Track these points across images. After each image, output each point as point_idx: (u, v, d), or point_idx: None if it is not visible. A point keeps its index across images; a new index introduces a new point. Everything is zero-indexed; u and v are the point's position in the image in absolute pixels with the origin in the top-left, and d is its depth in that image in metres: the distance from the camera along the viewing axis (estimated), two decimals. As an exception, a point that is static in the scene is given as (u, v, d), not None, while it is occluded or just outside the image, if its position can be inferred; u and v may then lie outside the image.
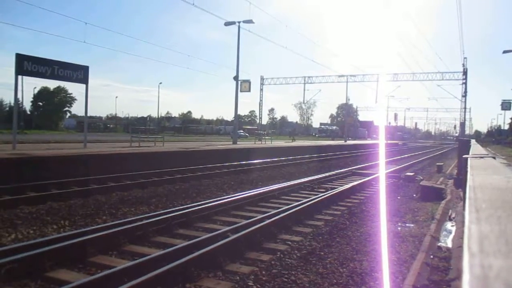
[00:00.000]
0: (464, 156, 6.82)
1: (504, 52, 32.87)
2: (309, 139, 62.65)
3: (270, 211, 8.19)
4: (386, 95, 63.32)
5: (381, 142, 34.56)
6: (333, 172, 16.08)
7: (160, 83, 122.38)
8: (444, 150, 46.92)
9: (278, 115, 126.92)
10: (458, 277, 4.61)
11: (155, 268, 4.49)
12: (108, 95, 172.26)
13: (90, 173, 11.66)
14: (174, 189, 11.24)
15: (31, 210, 7.93)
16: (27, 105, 72.01)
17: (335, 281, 4.81)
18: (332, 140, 56.77)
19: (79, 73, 15.55)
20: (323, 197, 9.71)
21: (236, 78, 28.55)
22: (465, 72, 40.19)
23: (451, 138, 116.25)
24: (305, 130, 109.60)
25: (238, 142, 28.70)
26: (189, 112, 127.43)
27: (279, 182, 12.93)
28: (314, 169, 18.37)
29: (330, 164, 21.92)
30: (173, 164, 14.95)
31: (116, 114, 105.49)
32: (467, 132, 72.10)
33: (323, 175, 15.02)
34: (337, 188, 11.64)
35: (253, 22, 26.77)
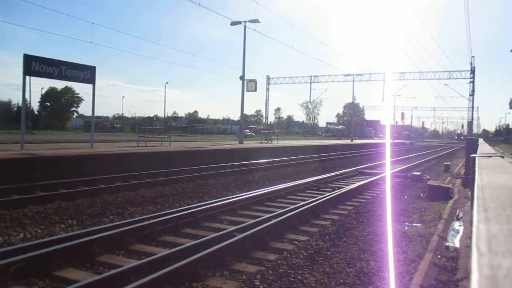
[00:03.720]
0: (472, 155, 6.77)
1: (512, 50, 32.54)
2: (315, 138, 62.53)
3: (277, 211, 8.19)
4: (392, 94, 63.09)
5: (388, 141, 34.38)
6: (340, 172, 16.03)
7: (167, 83, 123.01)
8: (451, 150, 46.60)
9: (284, 115, 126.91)
10: (466, 277, 4.58)
11: (163, 267, 4.51)
12: (114, 95, 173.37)
13: (97, 173, 11.72)
14: (181, 188, 11.26)
15: (39, 209, 7.99)
16: (35, 105, 72.65)
17: (342, 280, 4.80)
18: (339, 139, 56.60)
19: (86, 73, 15.63)
20: (329, 196, 9.68)
21: (242, 77, 28.53)
22: (472, 71, 39.93)
23: (455, 137, 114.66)
24: (311, 129, 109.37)
25: (244, 142, 28.70)
26: (195, 111, 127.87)
27: (285, 181, 12.91)
28: (321, 168, 18.32)
29: (337, 163, 21.86)
30: (179, 163, 14.99)
31: (122, 114, 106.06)
32: (474, 131, 71.63)
33: (330, 174, 14.98)
34: (344, 187, 11.61)
35: (259, 22, 26.75)
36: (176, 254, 5.12)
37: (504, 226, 1.24)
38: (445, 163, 21.62)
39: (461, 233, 7.25)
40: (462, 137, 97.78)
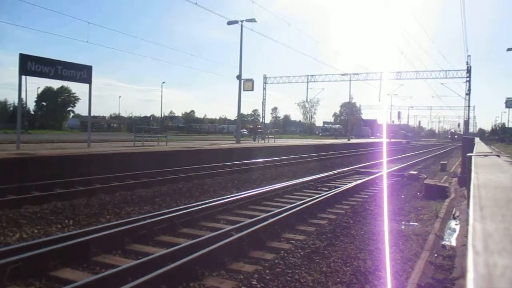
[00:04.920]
0: (468, 154, 6.80)
1: (508, 49, 32.74)
2: (312, 137, 62.57)
3: (274, 210, 8.18)
4: (389, 93, 63.19)
5: (384, 140, 34.45)
6: (337, 171, 16.04)
7: (163, 82, 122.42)
8: (447, 149, 46.74)
9: (281, 114, 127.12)
10: (463, 275, 4.60)
11: (159, 267, 4.50)
12: (111, 94, 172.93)
13: (94, 173, 11.69)
14: (178, 188, 11.25)
15: (35, 209, 7.96)
16: (31, 105, 72.43)
17: (338, 280, 4.81)
18: (336, 138, 56.68)
19: (83, 73, 15.58)
20: (326, 196, 9.70)
21: (239, 77, 28.53)
22: (468, 70, 40.02)
23: (448, 136, 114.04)
24: (308, 128, 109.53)
25: (241, 141, 28.69)
26: (192, 111, 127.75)
27: (282, 181, 12.92)
28: (318, 168, 18.34)
29: (333, 162, 21.89)
30: (176, 163, 14.98)
31: (119, 113, 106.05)
32: (471, 130, 71.75)
33: (327, 173, 15.00)
34: (341, 187, 11.62)
35: (256, 21, 26.73)
36: (173, 254, 5.12)
37: (500, 225, 1.25)
38: (441, 162, 21.68)
39: (457, 231, 7.28)
40: (456, 136, 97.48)
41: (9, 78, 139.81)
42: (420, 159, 26.65)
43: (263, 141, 31.84)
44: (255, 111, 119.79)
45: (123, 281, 4.17)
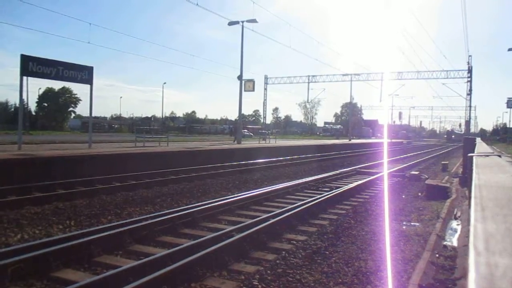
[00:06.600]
0: (469, 154, 6.79)
1: (510, 49, 32.67)
2: (313, 138, 62.55)
3: (275, 211, 8.19)
4: (390, 93, 63.07)
5: (385, 141, 34.41)
6: (338, 171, 16.04)
7: (164, 83, 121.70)
8: (448, 149, 46.67)
9: (282, 115, 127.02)
10: (464, 276, 4.59)
11: (161, 268, 4.50)
12: (112, 95, 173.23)
13: (95, 173, 11.70)
14: (179, 188, 11.26)
15: (36, 210, 7.97)
16: (32, 105, 72.36)
17: (340, 280, 4.80)
18: (337, 139, 56.65)
19: (84, 74, 15.59)
20: (327, 196, 9.69)
21: (240, 77, 28.51)
22: (470, 70, 39.96)
23: (444, 136, 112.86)
24: (309, 129, 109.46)
25: (242, 142, 28.67)
26: (193, 112, 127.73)
27: (284, 181, 12.92)
28: (319, 168, 18.33)
29: (335, 163, 21.87)
30: (177, 164, 14.98)
31: (120, 114, 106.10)
32: (472, 130, 71.54)
33: (328, 174, 14.99)
34: (342, 187, 11.62)
35: (257, 22, 26.68)
36: (174, 255, 5.12)
37: (501, 225, 1.24)
38: (442, 162, 21.65)
39: (459, 232, 7.27)
40: (453, 136, 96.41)
41: (10, 79, 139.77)
42: (421, 159, 26.62)
43: (264, 142, 31.81)
44: (256, 111, 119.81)
45: (125, 281, 4.18)
